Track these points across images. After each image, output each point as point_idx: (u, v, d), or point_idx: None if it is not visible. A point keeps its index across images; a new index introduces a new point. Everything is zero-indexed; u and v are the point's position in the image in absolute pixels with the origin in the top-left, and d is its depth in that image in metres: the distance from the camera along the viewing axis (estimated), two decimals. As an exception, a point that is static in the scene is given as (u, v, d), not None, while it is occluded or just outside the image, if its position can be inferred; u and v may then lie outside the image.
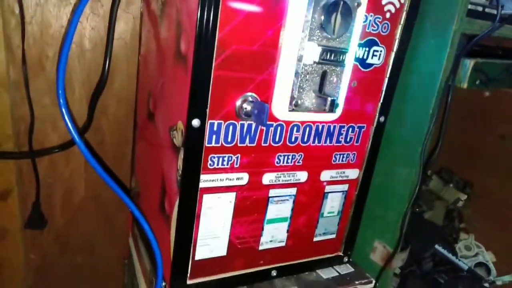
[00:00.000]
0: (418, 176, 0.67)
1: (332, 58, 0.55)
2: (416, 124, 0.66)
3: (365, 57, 0.61)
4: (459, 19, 0.59)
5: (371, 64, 0.62)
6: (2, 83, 0.80)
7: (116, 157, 0.95)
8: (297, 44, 0.53)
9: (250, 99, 0.54)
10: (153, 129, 0.67)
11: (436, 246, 1.16)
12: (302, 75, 0.54)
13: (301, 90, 0.55)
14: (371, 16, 0.59)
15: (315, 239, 0.70)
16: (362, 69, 0.62)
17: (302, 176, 0.64)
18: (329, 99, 0.54)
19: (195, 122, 0.51)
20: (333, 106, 0.55)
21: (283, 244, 0.67)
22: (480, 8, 0.66)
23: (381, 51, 0.62)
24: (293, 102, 0.56)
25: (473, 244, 1.25)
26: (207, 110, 0.51)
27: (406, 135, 0.68)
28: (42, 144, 0.86)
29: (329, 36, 0.54)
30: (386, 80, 0.64)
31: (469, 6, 0.64)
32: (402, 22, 0.61)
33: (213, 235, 0.59)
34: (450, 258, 1.14)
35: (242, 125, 0.55)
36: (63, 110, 0.49)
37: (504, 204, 1.22)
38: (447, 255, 1.15)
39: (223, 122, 0.54)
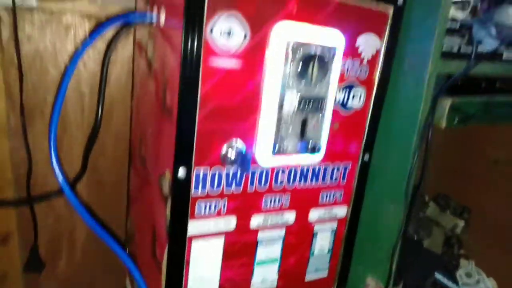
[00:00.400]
0: (405, 212, 0.68)
1: (311, 105, 0.57)
2: (399, 162, 0.68)
3: (345, 100, 0.63)
4: (433, 61, 0.62)
5: (352, 107, 0.65)
6: (2, 130, 0.83)
7: (114, 196, 0.97)
8: (277, 94, 0.56)
9: (235, 146, 0.56)
10: (145, 174, 0.69)
11: (436, 274, 1.15)
12: (284, 122, 0.57)
13: (284, 136, 0.58)
14: (349, 61, 0.61)
15: (306, 278, 0.71)
16: (343, 112, 0.64)
17: (290, 216, 0.65)
18: (310, 144, 0.56)
19: (181, 172, 0.53)
20: (314, 151, 0.57)
21: (274, 285, 0.67)
22: (455, 49, 0.69)
23: (360, 93, 0.65)
24: (276, 148, 0.58)
25: (474, 271, 1.24)
26: (193, 160, 0.54)
27: (391, 172, 0.70)
28: (43, 186, 0.88)
29: (307, 85, 0.56)
30: (368, 120, 0.67)
31: (444, 48, 0.67)
32: (380, 65, 0.64)
33: (203, 280, 0.60)
34: (451, 286, 1.13)
35: (227, 172, 0.57)
36: (54, 161, 0.51)
37: (503, 228, 1.22)
38: (448, 284, 1.14)
39: (209, 170, 0.56)
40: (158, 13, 0.57)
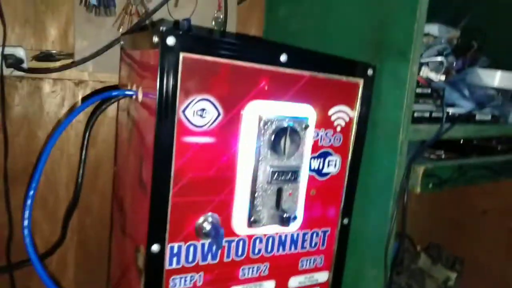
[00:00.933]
0: (386, 277, 0.67)
1: (285, 176, 0.58)
2: (378, 226, 0.68)
3: (320, 167, 0.65)
4: (404, 128, 0.64)
5: (328, 173, 0.66)
6: (-13, 195, 0.84)
7: (100, 256, 0.96)
8: (250, 167, 0.57)
9: (210, 219, 0.57)
10: (123, 242, 0.69)
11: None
12: (259, 194, 0.58)
13: (259, 207, 0.58)
14: (322, 131, 0.63)
15: None
16: (319, 178, 0.65)
17: (269, 286, 0.65)
18: (285, 215, 0.57)
19: (155, 248, 0.53)
20: (289, 222, 0.57)
21: None
22: (427, 114, 0.71)
23: (336, 160, 0.66)
24: (252, 219, 0.58)
25: (470, 326, 1.21)
26: (167, 235, 0.54)
27: (370, 236, 0.70)
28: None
29: (281, 157, 0.58)
30: (345, 185, 0.68)
31: (416, 114, 0.69)
32: (353, 132, 0.66)
33: None
34: None
35: (203, 245, 0.57)
36: (25, 232, 0.51)
37: (496, 278, 1.20)
38: None
39: (183, 244, 0.56)
40: (137, 90, 0.60)
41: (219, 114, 0.54)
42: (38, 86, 0.85)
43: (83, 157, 0.63)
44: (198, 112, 0.52)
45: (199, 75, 0.52)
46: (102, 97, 0.59)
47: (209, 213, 0.57)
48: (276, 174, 0.58)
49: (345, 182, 0.68)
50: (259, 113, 0.56)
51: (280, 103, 0.58)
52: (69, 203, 0.84)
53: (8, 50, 0.75)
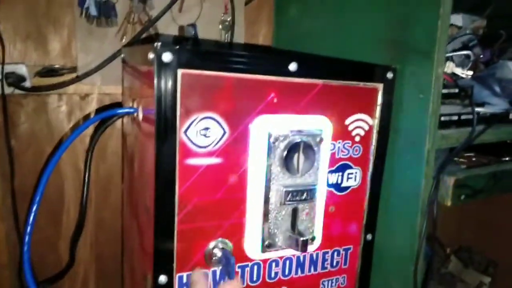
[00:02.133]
0: (415, 298, 0.62)
1: (299, 197, 0.53)
2: (405, 242, 0.63)
3: (339, 181, 0.59)
4: (430, 137, 0.58)
5: (348, 187, 0.60)
6: (-3, 213, 0.82)
7: (115, 271, 0.94)
8: (261, 188, 0.52)
9: (220, 245, 0.52)
10: (132, 264, 0.66)
11: None
12: (272, 216, 0.53)
13: (273, 230, 0.54)
14: (339, 142, 0.58)
15: None
16: (338, 193, 0.60)
17: (288, 311, 0.60)
18: (300, 240, 0.52)
19: (162, 279, 0.50)
20: (306, 247, 0.52)
21: None
22: (455, 117, 0.65)
23: (356, 172, 0.61)
24: (266, 243, 0.54)
25: (507, 334, 1.13)
26: (174, 266, 0.50)
27: (397, 252, 0.64)
28: (41, 266, 0.85)
29: (294, 175, 0.53)
30: (367, 198, 0.62)
31: (443, 118, 0.63)
32: (374, 142, 0.60)
33: None
34: None
35: (214, 272, 0.53)
36: (26, 267, 0.48)
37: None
38: None
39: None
40: (137, 107, 0.56)
41: (224, 132, 0.50)
42: (44, 102, 0.83)
43: (86, 179, 0.59)
44: (202, 132, 0.48)
45: (201, 92, 0.47)
46: (101, 117, 0.56)
47: (219, 239, 0.52)
48: (290, 195, 0.52)
49: (367, 196, 0.62)
50: (268, 128, 0.51)
51: (291, 116, 0.53)
52: (76, 225, 0.81)
53: (8, 68, 0.73)
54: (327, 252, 0.61)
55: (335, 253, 0.62)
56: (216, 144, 0.50)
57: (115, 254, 0.93)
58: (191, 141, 0.48)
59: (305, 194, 0.54)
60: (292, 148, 0.51)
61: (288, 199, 0.53)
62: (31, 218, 0.49)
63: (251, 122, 0.51)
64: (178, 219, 0.49)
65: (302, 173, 0.53)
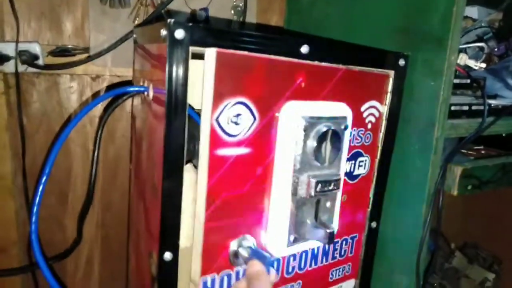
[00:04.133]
0: (418, 287, 0.62)
1: (327, 188, 0.51)
2: (409, 231, 0.63)
3: (352, 170, 0.59)
4: (439, 125, 0.57)
5: (358, 175, 0.60)
6: (9, 191, 0.84)
7: (121, 253, 0.95)
8: (289, 179, 0.50)
9: (245, 244, 0.51)
10: (139, 245, 0.67)
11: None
12: (299, 209, 0.51)
13: (298, 224, 0.51)
14: (355, 130, 0.57)
15: None
16: (350, 182, 0.60)
17: (300, 304, 0.59)
18: (328, 231, 0.49)
19: (167, 256, 0.50)
20: (333, 238, 0.50)
21: None
22: (466, 107, 0.64)
23: (365, 160, 0.60)
24: (291, 238, 0.52)
25: (509, 331, 1.13)
26: (179, 243, 0.51)
27: (401, 241, 0.64)
28: (48, 243, 0.87)
29: (322, 164, 0.51)
30: (373, 186, 0.62)
31: (453, 108, 0.62)
32: (383, 130, 0.60)
33: None
34: None
35: (237, 273, 0.52)
36: (33, 237, 0.49)
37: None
38: None
39: (216, 275, 0.51)
40: (148, 86, 0.56)
41: (254, 119, 0.47)
42: (56, 82, 0.83)
43: (95, 157, 0.60)
44: (233, 119, 0.46)
45: (231, 74, 0.44)
46: (111, 94, 0.56)
47: (243, 236, 0.51)
48: (319, 185, 0.50)
49: (373, 184, 0.62)
50: (299, 115, 0.48)
51: (317, 103, 0.51)
52: (83, 203, 0.82)
53: (22, 46, 0.73)
54: (337, 242, 0.61)
55: (344, 242, 0.62)
56: (246, 132, 0.47)
57: (121, 236, 0.94)
58: (222, 129, 0.46)
59: (332, 185, 0.51)
60: (322, 136, 0.50)
61: (318, 190, 0.50)
62: (38, 196, 0.49)
63: (279, 108, 0.49)
64: (205, 216, 0.47)
65: (329, 162, 0.51)
